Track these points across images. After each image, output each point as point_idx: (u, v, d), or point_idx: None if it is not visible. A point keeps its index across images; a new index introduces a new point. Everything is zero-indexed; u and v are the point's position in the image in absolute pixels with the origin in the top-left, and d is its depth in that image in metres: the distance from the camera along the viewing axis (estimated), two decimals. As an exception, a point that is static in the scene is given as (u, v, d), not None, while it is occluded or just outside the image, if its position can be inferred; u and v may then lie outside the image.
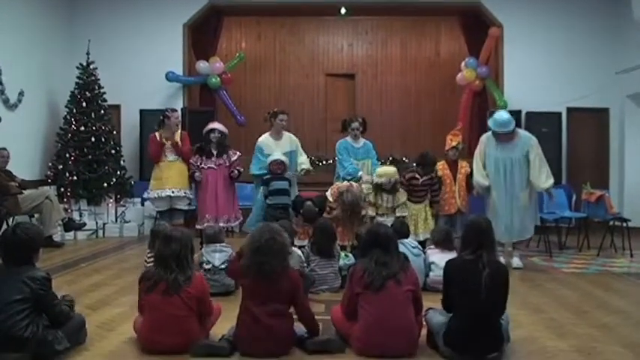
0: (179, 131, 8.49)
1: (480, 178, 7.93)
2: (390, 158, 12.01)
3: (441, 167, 8.43)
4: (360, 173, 8.10)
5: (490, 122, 7.93)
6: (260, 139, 8.47)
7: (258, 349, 4.24)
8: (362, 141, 8.52)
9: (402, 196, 7.81)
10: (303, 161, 8.46)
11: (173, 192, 8.26)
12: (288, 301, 4.37)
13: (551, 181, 7.79)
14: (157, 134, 8.37)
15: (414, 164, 8.28)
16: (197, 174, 8.18)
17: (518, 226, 7.83)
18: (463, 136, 9.32)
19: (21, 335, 3.97)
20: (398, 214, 7.67)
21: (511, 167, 7.74)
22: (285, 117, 8.42)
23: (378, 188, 7.76)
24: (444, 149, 8.68)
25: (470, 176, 8.29)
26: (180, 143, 8.29)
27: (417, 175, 8.04)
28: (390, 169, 7.91)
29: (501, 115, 7.90)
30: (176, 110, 8.85)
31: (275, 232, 4.41)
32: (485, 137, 8.04)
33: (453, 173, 8.42)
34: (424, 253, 6.62)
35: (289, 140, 8.46)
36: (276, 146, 8.28)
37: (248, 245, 4.40)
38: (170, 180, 8.28)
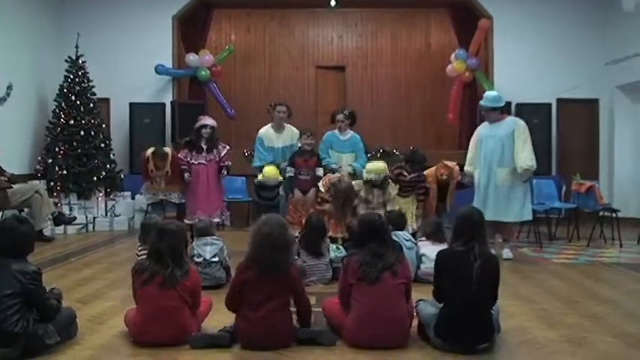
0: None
1: (467, 166, 8.15)
2: (381, 150, 11.98)
3: (430, 179, 8.15)
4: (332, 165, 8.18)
5: (482, 101, 8.16)
6: (261, 130, 8.51)
7: (259, 343, 4.24)
8: (349, 133, 8.47)
9: (392, 190, 7.80)
10: None
11: (165, 195, 8.39)
12: (289, 295, 4.36)
13: (532, 163, 7.73)
14: (147, 155, 8.44)
15: (404, 162, 8.22)
16: (186, 175, 8.17)
17: (492, 206, 7.75)
18: (452, 125, 9.19)
19: (11, 330, 3.95)
20: (389, 209, 7.65)
21: (494, 144, 7.86)
22: (283, 108, 8.44)
23: (369, 184, 7.74)
24: (435, 169, 8.34)
25: (461, 169, 8.29)
26: (169, 172, 8.39)
27: (405, 172, 7.98)
28: (380, 165, 7.83)
29: (491, 92, 8.32)
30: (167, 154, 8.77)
31: (283, 225, 4.38)
32: (479, 127, 8.32)
33: (442, 187, 8.25)
34: (416, 245, 6.63)
35: (291, 133, 8.47)
36: (277, 138, 8.36)
37: (256, 237, 4.34)
38: (165, 189, 8.40)
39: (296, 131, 8.51)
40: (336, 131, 8.45)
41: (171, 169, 8.43)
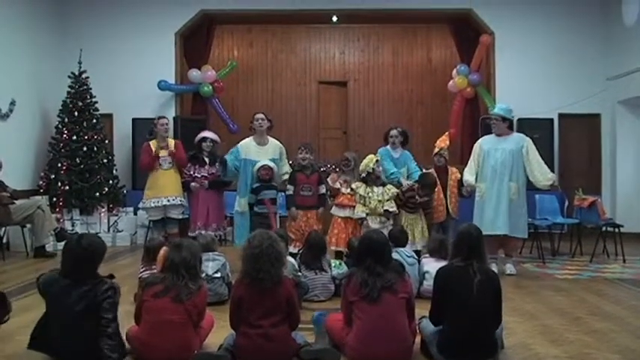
0: (171, 141, 8.49)
1: (467, 176, 8.06)
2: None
3: None
4: (400, 177, 8.06)
5: (494, 109, 8.25)
6: (242, 141, 8.17)
7: (259, 359, 4.24)
8: (400, 151, 8.36)
9: (391, 187, 7.77)
10: (287, 171, 8.14)
11: (169, 200, 8.28)
12: (285, 310, 4.35)
13: (553, 174, 8.03)
14: (150, 144, 8.38)
15: (416, 185, 8.14)
16: (193, 184, 8.15)
17: (505, 219, 7.74)
18: (453, 141, 9.30)
19: (93, 346, 4.07)
20: (386, 208, 7.62)
21: (503, 157, 7.84)
22: (260, 116, 8.08)
23: (368, 181, 7.70)
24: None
25: (460, 182, 8.29)
26: (174, 151, 8.32)
27: (417, 197, 7.85)
28: (368, 157, 7.79)
29: (502, 103, 8.34)
30: (164, 117, 8.80)
31: (273, 239, 4.39)
32: (480, 139, 8.33)
33: (442, 181, 8.35)
34: (419, 262, 6.61)
35: (273, 147, 8.15)
36: (257, 153, 7.98)
37: (245, 251, 4.37)
38: (165, 188, 8.29)
39: (280, 145, 8.23)
40: (389, 147, 8.41)
41: (175, 149, 8.38)
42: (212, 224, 8.20)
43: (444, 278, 4.39)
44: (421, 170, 8.30)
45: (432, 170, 8.38)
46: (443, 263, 5.07)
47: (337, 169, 8.03)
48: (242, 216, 7.97)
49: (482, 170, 7.98)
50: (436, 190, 8.22)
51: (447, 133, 9.28)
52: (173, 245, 4.61)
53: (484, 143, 8.12)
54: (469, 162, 8.19)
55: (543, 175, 7.83)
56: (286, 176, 8.06)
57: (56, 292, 4.18)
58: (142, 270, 6.08)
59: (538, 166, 7.86)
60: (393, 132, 8.36)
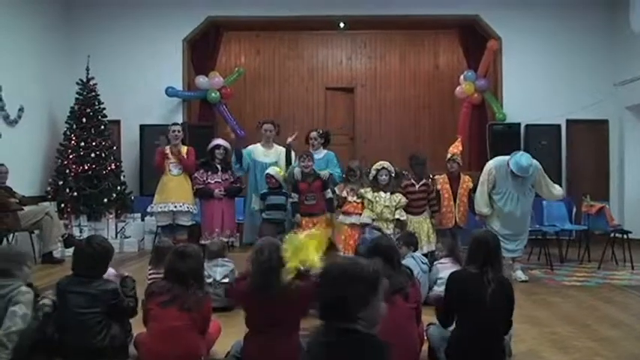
0: (184, 147, 8.58)
1: (482, 207, 7.90)
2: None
3: (442, 181, 8.34)
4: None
5: (512, 164, 7.63)
6: (250, 146, 8.48)
7: None
8: (322, 152, 8.37)
9: (399, 196, 7.76)
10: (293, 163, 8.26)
11: (176, 207, 8.31)
12: (299, 313, 4.28)
13: (560, 188, 8.26)
14: (165, 148, 8.52)
15: (404, 172, 8.24)
16: (217, 191, 8.16)
17: (523, 244, 8.06)
18: (462, 146, 9.27)
19: (100, 345, 4.19)
20: (397, 216, 7.64)
21: (524, 197, 7.81)
22: (269, 127, 8.34)
23: (375, 184, 7.74)
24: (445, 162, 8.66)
25: (472, 191, 8.23)
26: (185, 156, 8.40)
27: (413, 181, 8.02)
28: (376, 164, 7.91)
29: (524, 159, 7.64)
30: (176, 124, 8.89)
31: (280, 248, 4.26)
32: (495, 168, 7.86)
33: (454, 188, 8.32)
34: (430, 268, 6.53)
35: (277, 152, 8.35)
36: (264, 156, 8.25)
37: (256, 265, 4.26)
38: (173, 194, 8.34)
39: (283, 150, 8.36)
40: (310, 149, 8.39)
41: (187, 155, 8.52)
42: (226, 231, 8.24)
43: (458, 283, 4.33)
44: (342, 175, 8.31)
45: (444, 176, 8.41)
46: (457, 268, 5.03)
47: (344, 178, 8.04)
48: (253, 215, 8.05)
49: (501, 206, 7.80)
50: (446, 197, 8.25)
51: (459, 139, 9.23)
52: (176, 254, 4.51)
53: (500, 176, 7.80)
54: (481, 188, 7.93)
55: (555, 193, 8.08)
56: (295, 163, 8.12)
57: (66, 288, 4.33)
58: (150, 272, 6.06)
59: (550, 188, 8.01)
60: (313, 134, 8.39)
